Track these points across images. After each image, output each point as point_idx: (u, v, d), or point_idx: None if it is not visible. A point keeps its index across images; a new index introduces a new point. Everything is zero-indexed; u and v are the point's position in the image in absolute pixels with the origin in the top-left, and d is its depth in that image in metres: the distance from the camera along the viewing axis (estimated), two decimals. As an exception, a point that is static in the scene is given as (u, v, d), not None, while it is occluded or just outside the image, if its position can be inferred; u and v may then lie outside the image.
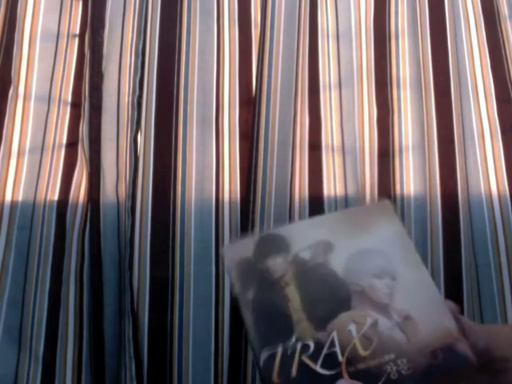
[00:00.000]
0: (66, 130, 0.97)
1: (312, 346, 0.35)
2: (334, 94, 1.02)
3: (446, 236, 0.92)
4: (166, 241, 0.92)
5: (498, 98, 1.00)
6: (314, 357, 0.34)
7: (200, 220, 0.94)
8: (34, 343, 0.88)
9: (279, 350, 0.34)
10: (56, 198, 0.94)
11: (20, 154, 0.95)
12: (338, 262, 0.39)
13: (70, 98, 0.98)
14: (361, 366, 0.34)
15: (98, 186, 0.92)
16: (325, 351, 0.34)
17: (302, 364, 0.34)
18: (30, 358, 0.88)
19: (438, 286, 0.90)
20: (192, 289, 0.91)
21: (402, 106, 1.00)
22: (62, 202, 0.93)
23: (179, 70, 0.98)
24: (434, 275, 0.91)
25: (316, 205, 0.97)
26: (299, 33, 0.99)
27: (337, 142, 1.00)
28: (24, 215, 0.92)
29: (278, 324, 0.36)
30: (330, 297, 0.38)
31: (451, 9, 1.02)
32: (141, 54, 0.98)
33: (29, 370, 0.88)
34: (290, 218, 0.94)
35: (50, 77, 0.97)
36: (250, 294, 0.38)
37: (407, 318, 0.36)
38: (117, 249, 0.93)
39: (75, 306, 0.90)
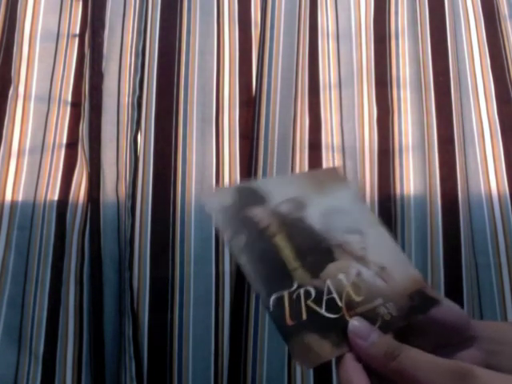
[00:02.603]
0: (66, 130, 0.97)
1: (313, 292, 0.36)
2: (334, 93, 1.02)
3: (445, 236, 0.92)
4: (166, 241, 0.92)
5: (498, 98, 1.00)
6: (317, 302, 0.36)
7: (200, 220, 0.94)
8: (34, 343, 0.88)
9: (285, 295, 0.35)
10: (56, 198, 0.94)
11: (20, 153, 0.95)
12: (312, 220, 0.41)
13: (70, 98, 0.98)
14: (358, 310, 0.36)
15: (98, 185, 0.92)
16: (325, 297, 0.36)
17: (308, 308, 0.35)
18: (29, 358, 0.88)
19: (438, 285, 0.90)
20: (192, 289, 0.91)
21: (402, 106, 1.00)
22: (62, 202, 0.93)
23: (179, 70, 0.98)
24: (434, 275, 0.91)
25: (316, 205, 0.97)
26: (299, 33, 0.99)
27: (337, 141, 1.00)
28: (24, 215, 0.92)
29: (276, 271, 0.37)
30: (315, 249, 0.39)
31: (451, 9, 1.02)
32: (141, 54, 0.98)
33: (29, 370, 0.88)
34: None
35: (50, 77, 0.97)
36: (242, 241, 0.38)
37: (382, 268, 0.38)
38: (117, 249, 0.93)
39: (75, 305, 0.90)
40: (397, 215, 0.96)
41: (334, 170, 0.46)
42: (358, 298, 0.37)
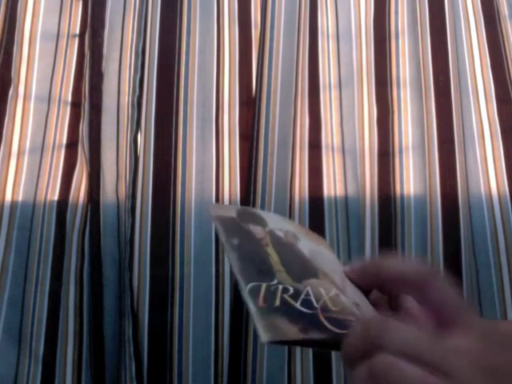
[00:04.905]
0: (66, 130, 0.97)
1: (292, 289, 0.38)
2: (334, 94, 1.02)
3: (445, 236, 0.92)
4: (166, 241, 0.92)
5: (498, 98, 1.00)
6: (294, 297, 0.37)
7: (200, 220, 0.94)
8: (33, 343, 0.88)
9: (263, 285, 0.37)
10: (56, 198, 0.94)
11: (20, 154, 0.95)
12: (303, 249, 0.44)
13: (70, 98, 0.98)
14: (333, 314, 0.37)
15: (97, 186, 0.92)
16: (302, 296, 0.38)
17: (283, 299, 0.37)
18: (29, 358, 0.88)
19: (437, 285, 0.90)
20: (192, 289, 0.91)
21: (401, 106, 1.00)
22: (62, 202, 0.93)
23: (179, 70, 0.98)
24: (433, 275, 0.91)
25: (316, 205, 0.97)
26: (299, 33, 0.99)
27: (337, 142, 1.00)
28: (24, 215, 0.92)
29: (260, 268, 0.39)
30: (302, 265, 0.42)
31: (451, 9, 1.02)
32: (141, 53, 0.98)
33: (29, 370, 0.88)
34: (290, 218, 0.94)
35: (50, 77, 0.97)
36: (235, 241, 0.41)
37: (357, 304, 0.40)
38: (117, 249, 0.93)
39: (75, 305, 0.90)
40: (397, 215, 0.96)
41: (323, 239, 0.50)
42: (334, 308, 0.38)
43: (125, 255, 0.91)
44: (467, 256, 0.91)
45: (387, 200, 0.97)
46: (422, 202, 0.95)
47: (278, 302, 0.36)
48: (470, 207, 0.96)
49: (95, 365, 0.88)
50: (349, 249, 0.97)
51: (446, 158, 0.95)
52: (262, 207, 0.92)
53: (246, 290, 0.36)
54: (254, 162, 0.93)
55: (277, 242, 0.43)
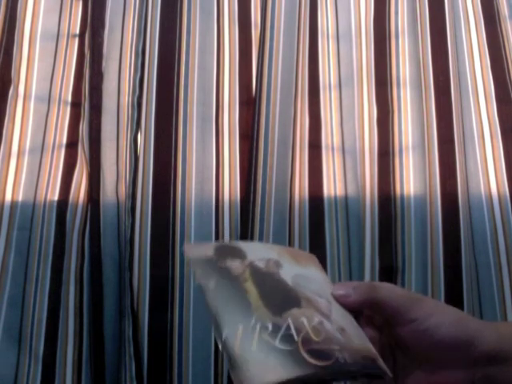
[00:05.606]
0: (66, 130, 0.97)
1: (270, 327, 0.37)
2: (334, 94, 1.02)
3: (445, 236, 0.92)
4: (166, 241, 0.92)
5: (498, 99, 1.00)
6: (272, 335, 0.37)
7: (200, 220, 0.94)
8: (33, 343, 0.88)
9: (240, 328, 0.37)
10: (56, 198, 0.94)
11: (20, 154, 0.95)
12: (285, 276, 0.43)
13: (70, 98, 0.98)
14: (315, 346, 0.37)
15: (97, 186, 0.92)
16: (282, 332, 0.37)
17: (261, 340, 0.36)
18: (30, 358, 0.88)
19: (438, 286, 0.90)
20: (192, 289, 0.91)
21: (401, 106, 1.00)
22: (62, 202, 0.93)
23: (179, 69, 0.98)
24: (434, 275, 0.91)
25: (316, 205, 0.97)
26: (299, 33, 0.99)
27: (337, 142, 1.00)
28: (24, 215, 0.92)
29: (238, 309, 0.39)
30: (283, 295, 0.41)
31: (451, 9, 1.02)
32: (141, 53, 0.98)
33: (29, 370, 0.88)
34: (290, 218, 0.94)
35: (50, 77, 0.97)
36: (212, 283, 0.41)
37: (342, 329, 0.40)
38: (117, 249, 0.93)
39: (75, 305, 0.90)
40: (397, 215, 0.96)
41: (312, 255, 0.50)
42: (316, 339, 0.37)
43: (125, 255, 0.91)
44: (467, 256, 0.91)
45: (387, 200, 0.97)
46: (422, 202, 0.95)
47: (255, 345, 0.36)
48: (470, 207, 0.96)
49: (95, 365, 0.88)
50: (349, 249, 0.97)
51: (446, 158, 0.95)
52: (262, 207, 0.92)
53: (222, 337, 0.36)
54: (254, 161, 0.93)
55: (257, 274, 0.42)
